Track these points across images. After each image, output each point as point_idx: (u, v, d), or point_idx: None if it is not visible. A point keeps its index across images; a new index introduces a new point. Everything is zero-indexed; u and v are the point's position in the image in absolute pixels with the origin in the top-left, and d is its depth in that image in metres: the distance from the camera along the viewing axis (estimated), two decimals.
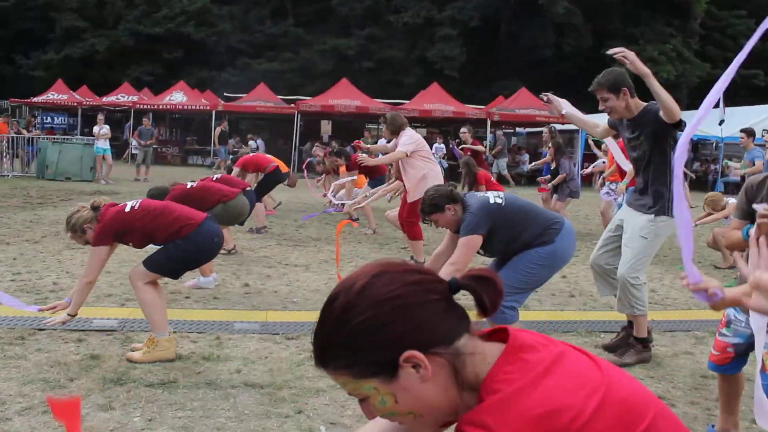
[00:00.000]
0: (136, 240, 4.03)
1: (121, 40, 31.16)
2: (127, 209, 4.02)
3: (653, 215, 4.06)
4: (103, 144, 16.63)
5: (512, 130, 27.72)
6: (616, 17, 31.74)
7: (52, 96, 25.28)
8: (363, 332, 1.03)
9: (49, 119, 27.01)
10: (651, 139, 4.02)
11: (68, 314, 3.87)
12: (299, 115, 23.25)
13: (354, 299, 1.04)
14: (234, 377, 3.68)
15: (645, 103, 4.07)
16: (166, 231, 3.98)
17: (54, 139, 17.98)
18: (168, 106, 25.22)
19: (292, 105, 23.49)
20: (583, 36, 31.44)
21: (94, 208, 3.97)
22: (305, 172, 14.65)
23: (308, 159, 15.16)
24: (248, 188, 7.73)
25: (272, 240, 8.59)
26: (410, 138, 6.78)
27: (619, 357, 4.21)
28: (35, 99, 25.35)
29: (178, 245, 3.98)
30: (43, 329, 4.32)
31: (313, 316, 1.04)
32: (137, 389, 3.46)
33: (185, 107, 24.98)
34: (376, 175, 10.17)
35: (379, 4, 32.94)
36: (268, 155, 10.00)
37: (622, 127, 4.24)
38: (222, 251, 7.30)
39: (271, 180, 9.40)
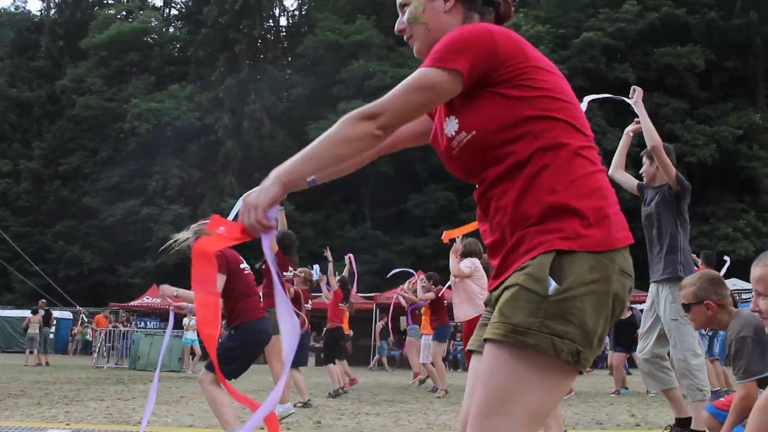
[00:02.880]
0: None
1: None
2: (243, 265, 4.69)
3: (671, 290, 4.26)
4: (191, 335, 17.50)
5: None
6: None
7: (147, 300, 26.92)
8: None
9: (142, 323, 28.49)
10: (660, 205, 4.47)
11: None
12: (377, 309, 23.91)
13: None
14: None
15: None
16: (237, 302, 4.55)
17: (147, 331, 19.05)
18: None
19: (370, 301, 24.26)
20: None
21: None
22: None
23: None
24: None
25: (347, 400, 8.82)
26: (472, 264, 7.07)
27: None
28: (132, 303, 27.00)
29: (231, 336, 4.54)
30: None
31: None
32: None
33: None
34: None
35: (452, 204, 34.49)
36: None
37: (644, 193, 4.76)
38: (298, 404, 7.62)
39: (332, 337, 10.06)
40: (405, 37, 1.77)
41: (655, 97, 32.09)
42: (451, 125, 1.60)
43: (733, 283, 21.33)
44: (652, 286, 4.51)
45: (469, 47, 1.50)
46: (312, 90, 38.00)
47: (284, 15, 45.50)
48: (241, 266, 4.66)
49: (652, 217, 4.53)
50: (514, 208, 1.53)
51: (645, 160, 4.77)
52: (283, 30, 44.83)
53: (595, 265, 1.44)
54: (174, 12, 47.55)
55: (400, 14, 1.76)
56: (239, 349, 4.54)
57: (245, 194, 1.59)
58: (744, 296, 20.46)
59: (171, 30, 45.09)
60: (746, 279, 21.76)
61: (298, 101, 39.47)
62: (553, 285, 1.41)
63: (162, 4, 46.95)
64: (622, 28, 32.31)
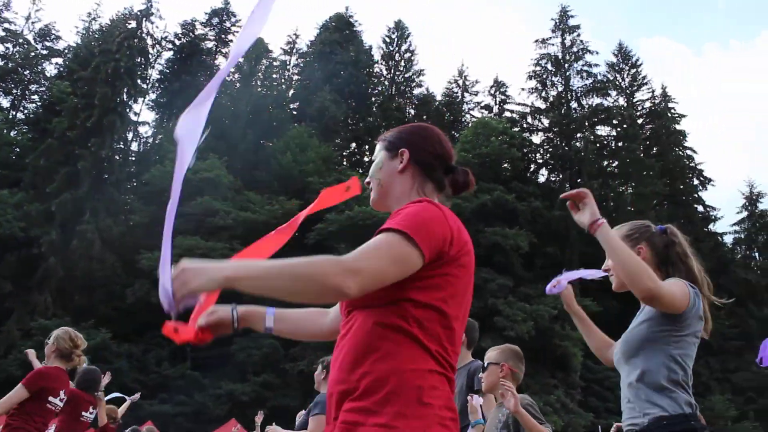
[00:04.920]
0: None
1: (9, 370, 30.40)
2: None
3: None
4: None
5: None
6: None
7: None
8: (405, 132, 1.95)
9: None
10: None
11: None
12: None
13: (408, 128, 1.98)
14: None
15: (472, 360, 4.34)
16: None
17: None
18: None
19: None
20: None
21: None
22: None
23: None
24: None
25: None
26: None
27: None
28: None
29: None
30: None
31: None
32: None
33: None
34: None
35: (277, 352, 33.95)
36: None
37: None
38: None
39: None
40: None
41: (483, 272, 34.17)
42: None
43: None
44: None
45: (434, 239, 1.61)
46: (151, 219, 37.18)
47: (137, 140, 45.09)
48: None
49: None
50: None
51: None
52: (133, 155, 44.21)
53: None
54: (20, 116, 45.82)
55: None
56: None
57: (183, 263, 1.54)
58: None
59: (13, 133, 43.18)
60: None
61: (134, 228, 38.39)
62: None
63: (9, 105, 45.19)
64: (458, 204, 34.71)
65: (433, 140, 1.92)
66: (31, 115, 45.04)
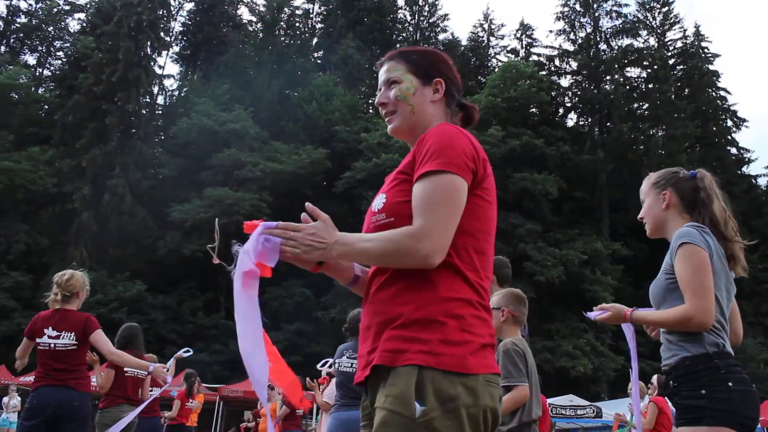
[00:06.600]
0: None
1: None
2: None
3: None
4: (13, 417, 15.83)
5: None
6: (534, 316, 33.67)
7: None
8: (434, 61, 1.88)
9: None
10: None
11: None
12: (221, 402, 23.03)
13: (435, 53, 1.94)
14: None
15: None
16: None
17: None
18: None
19: (214, 392, 23.35)
20: None
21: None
22: None
23: None
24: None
25: None
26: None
27: None
28: None
29: None
30: None
31: None
32: None
33: None
34: None
35: (309, 301, 34.38)
36: None
37: None
38: None
39: None
40: (384, 111, 1.87)
41: (512, 218, 34.10)
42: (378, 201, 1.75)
43: (570, 399, 22.34)
44: None
45: (470, 165, 1.69)
46: (180, 172, 37.47)
47: (162, 94, 45.16)
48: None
49: None
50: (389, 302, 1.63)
51: None
52: (159, 108, 44.35)
53: (457, 379, 1.49)
54: (47, 73, 46.08)
55: (384, 89, 1.87)
56: None
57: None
58: (580, 412, 21.45)
59: (41, 91, 43.47)
60: (583, 395, 22.95)
61: (163, 181, 38.74)
62: (419, 408, 1.43)
63: (35, 63, 45.41)
64: (486, 150, 34.25)
65: (454, 70, 1.91)
66: (57, 72, 45.26)
